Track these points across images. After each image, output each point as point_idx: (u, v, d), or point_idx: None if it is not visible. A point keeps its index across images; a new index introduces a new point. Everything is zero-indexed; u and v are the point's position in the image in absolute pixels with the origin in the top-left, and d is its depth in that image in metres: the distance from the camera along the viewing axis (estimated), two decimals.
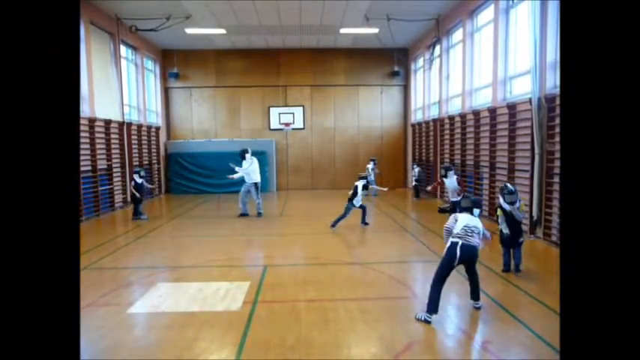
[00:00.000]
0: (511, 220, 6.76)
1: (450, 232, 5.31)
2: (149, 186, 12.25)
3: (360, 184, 10.58)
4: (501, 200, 6.80)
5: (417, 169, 16.44)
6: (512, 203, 6.72)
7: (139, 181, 12.12)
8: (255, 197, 12.37)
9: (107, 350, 4.47)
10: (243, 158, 12.41)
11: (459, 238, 5.16)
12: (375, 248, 8.99)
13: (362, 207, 10.74)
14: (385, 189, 12.84)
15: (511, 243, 6.83)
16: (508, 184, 7.04)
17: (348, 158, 19.97)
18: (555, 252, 8.15)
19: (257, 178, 12.37)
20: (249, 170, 12.27)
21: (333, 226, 10.54)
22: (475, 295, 5.40)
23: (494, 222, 7.43)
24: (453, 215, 5.49)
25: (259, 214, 12.37)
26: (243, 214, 12.41)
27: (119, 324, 5.12)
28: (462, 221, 5.29)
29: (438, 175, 15.93)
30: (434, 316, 4.97)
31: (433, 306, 4.98)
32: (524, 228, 9.42)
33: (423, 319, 4.95)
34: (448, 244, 5.21)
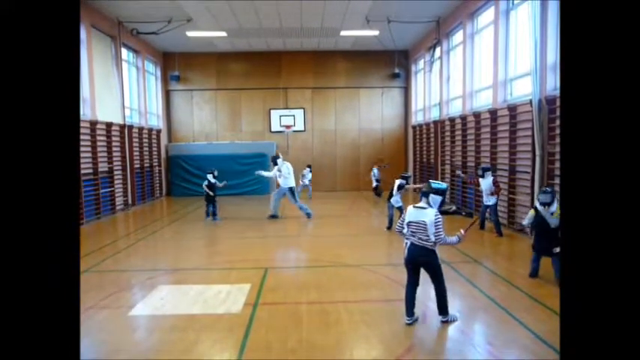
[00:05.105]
0: (542, 223, 6.39)
1: (401, 233, 4.99)
2: (220, 184, 12.34)
3: (396, 183, 10.33)
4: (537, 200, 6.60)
5: (375, 171, 17.63)
6: (546, 205, 6.33)
7: (213, 180, 12.12)
8: (292, 202, 12.40)
9: (108, 353, 4.47)
10: (275, 164, 12.46)
11: (407, 238, 4.89)
12: (376, 250, 8.98)
13: (400, 208, 10.25)
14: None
15: (540, 248, 6.48)
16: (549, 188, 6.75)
17: (349, 160, 19.97)
18: None
19: (292, 183, 12.36)
20: (285, 174, 12.25)
21: (388, 228, 10.50)
22: (440, 308, 4.95)
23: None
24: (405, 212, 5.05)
25: (308, 216, 12.31)
26: (274, 216, 12.39)
27: (120, 327, 5.12)
28: (408, 217, 4.86)
29: (438, 176, 15.93)
30: (442, 319, 4.96)
31: (407, 309, 4.97)
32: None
33: (405, 322, 4.96)
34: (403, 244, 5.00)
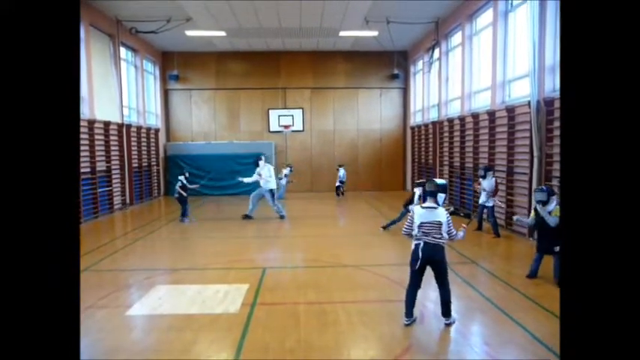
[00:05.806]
0: (542, 222, 6.51)
1: (409, 235, 5.02)
2: (192, 186, 12.51)
3: (417, 191, 10.07)
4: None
5: (342, 172, 17.70)
6: (542, 203, 6.45)
7: (185, 182, 12.24)
8: (271, 204, 12.48)
9: (106, 352, 4.46)
10: (257, 165, 12.53)
11: (419, 239, 4.91)
12: (375, 250, 8.98)
13: None
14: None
15: (542, 248, 6.59)
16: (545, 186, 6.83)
17: (347, 161, 19.95)
18: None
19: (273, 186, 12.48)
20: (267, 177, 12.31)
21: (385, 228, 10.45)
22: (444, 310, 4.98)
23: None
24: (409, 215, 5.09)
25: (282, 217, 12.44)
26: (248, 216, 12.40)
27: (118, 326, 5.12)
28: (419, 218, 4.89)
29: (437, 176, 15.95)
30: (445, 321, 4.97)
31: (406, 310, 4.98)
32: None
33: (403, 323, 4.97)
34: (412, 246, 5.00)
